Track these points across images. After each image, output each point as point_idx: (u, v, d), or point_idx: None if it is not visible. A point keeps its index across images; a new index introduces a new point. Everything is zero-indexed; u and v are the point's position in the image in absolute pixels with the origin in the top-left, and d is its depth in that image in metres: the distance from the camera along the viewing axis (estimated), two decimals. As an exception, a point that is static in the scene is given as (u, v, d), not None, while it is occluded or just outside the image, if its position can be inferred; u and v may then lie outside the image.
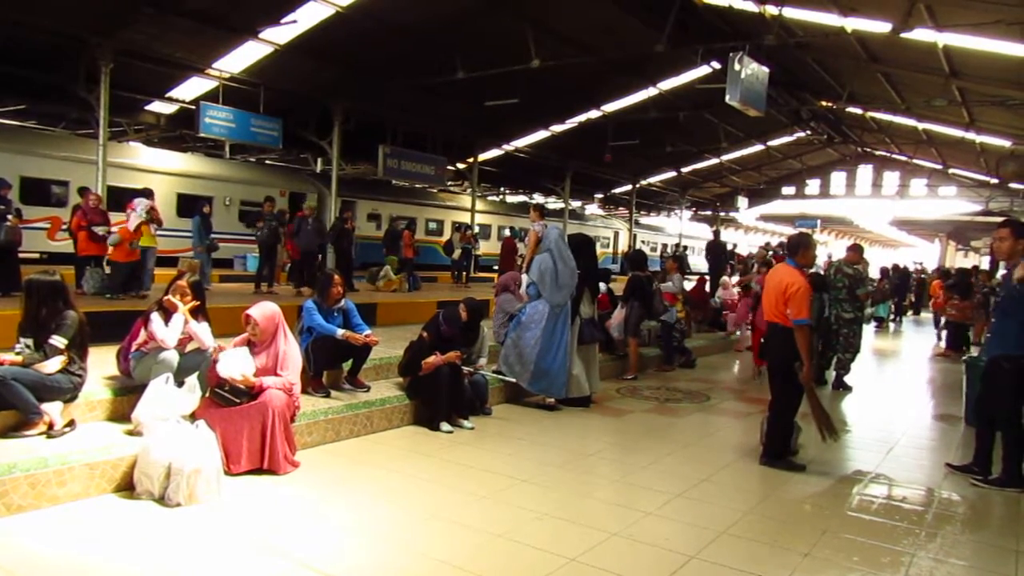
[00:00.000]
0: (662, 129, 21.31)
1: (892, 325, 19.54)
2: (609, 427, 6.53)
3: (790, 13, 12.42)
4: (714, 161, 28.24)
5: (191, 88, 16.05)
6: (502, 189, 33.79)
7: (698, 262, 30.84)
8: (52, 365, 4.34)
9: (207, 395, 4.78)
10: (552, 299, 6.78)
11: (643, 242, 34.72)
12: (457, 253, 17.57)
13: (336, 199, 17.80)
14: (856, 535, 4.07)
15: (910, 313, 23.49)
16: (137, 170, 16.31)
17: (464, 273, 17.65)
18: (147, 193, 10.08)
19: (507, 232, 25.25)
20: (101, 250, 9.64)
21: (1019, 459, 5.08)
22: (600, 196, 34.75)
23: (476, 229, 21.38)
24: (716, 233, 20.90)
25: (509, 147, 23.00)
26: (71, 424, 4.43)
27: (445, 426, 5.87)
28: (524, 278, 7.85)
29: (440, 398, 5.93)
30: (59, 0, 11.50)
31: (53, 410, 4.33)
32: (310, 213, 12.30)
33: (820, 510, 4.53)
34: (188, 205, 16.28)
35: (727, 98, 11.48)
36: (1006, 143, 19.86)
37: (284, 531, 3.75)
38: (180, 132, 19.27)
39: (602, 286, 9.55)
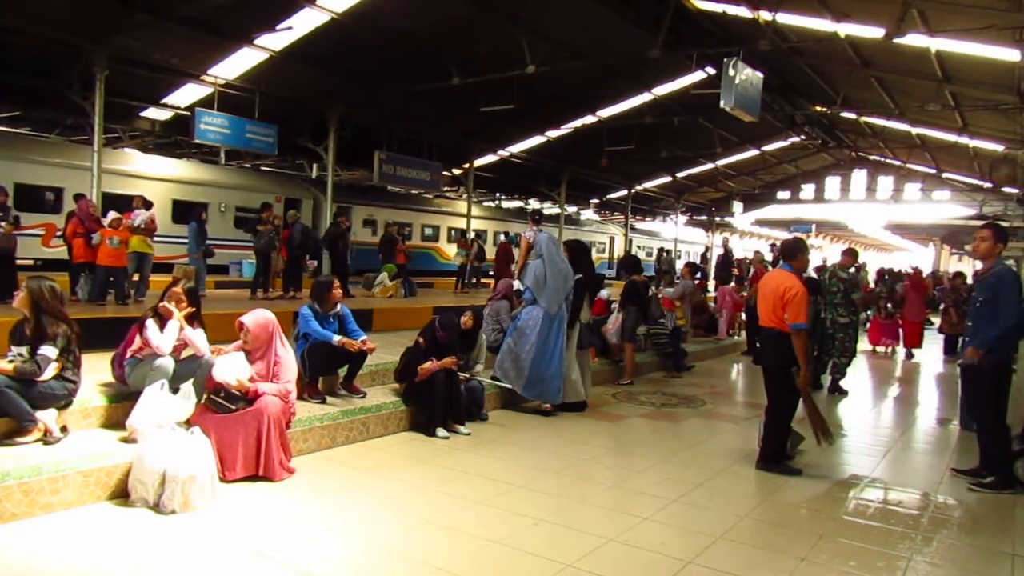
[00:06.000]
0: (657, 134, 21.36)
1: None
2: (605, 432, 6.52)
3: (783, 19, 12.47)
4: (709, 166, 28.32)
5: (186, 94, 16.04)
6: (498, 195, 33.81)
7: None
8: (46, 373, 4.32)
9: (202, 401, 4.77)
10: (547, 303, 6.79)
11: (639, 247, 34.75)
12: (459, 259, 17.56)
13: (332, 205, 17.78)
14: (852, 539, 4.07)
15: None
16: (132, 176, 16.27)
17: (459, 280, 17.61)
18: (148, 204, 10.10)
19: (502, 237, 25.23)
20: (95, 257, 9.60)
21: (1010, 461, 5.10)
22: (596, 201, 34.79)
23: (472, 235, 21.34)
24: (725, 241, 21.02)
25: (505, 152, 23.03)
26: (65, 430, 4.41)
27: (441, 432, 5.86)
28: (515, 284, 7.88)
29: (436, 404, 5.92)
30: (54, 6, 11.50)
31: (47, 417, 4.31)
32: (293, 220, 12.40)
33: (816, 514, 4.53)
34: (183, 211, 16.27)
35: (722, 103, 11.52)
36: (999, 147, 19.97)
37: (280, 538, 3.73)
38: (175, 138, 19.25)
39: (604, 292, 9.60)
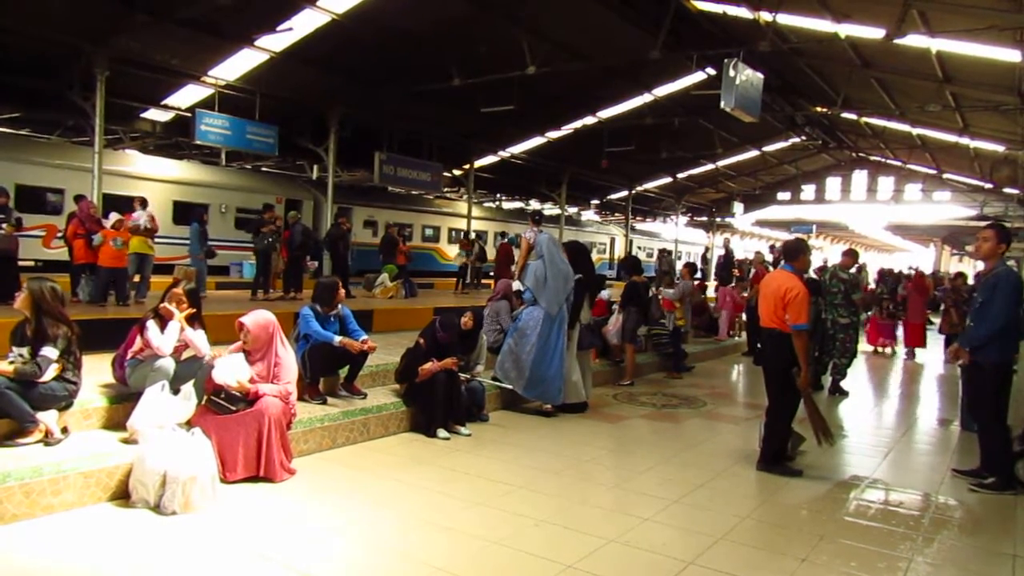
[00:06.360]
0: (658, 135, 21.38)
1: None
2: (606, 433, 6.52)
3: (784, 19, 12.48)
4: (710, 167, 28.34)
5: (187, 95, 16.06)
6: (498, 196, 33.82)
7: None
8: (47, 374, 4.32)
9: (203, 403, 4.77)
10: (547, 304, 6.79)
11: (639, 248, 34.75)
12: (461, 260, 17.57)
13: (332, 205, 17.80)
14: (853, 540, 4.07)
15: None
16: (133, 177, 16.29)
17: (460, 280, 17.61)
18: (144, 204, 10.12)
19: (502, 239, 25.20)
20: (96, 258, 9.60)
21: (1011, 462, 5.10)
22: (596, 202, 34.80)
23: (473, 235, 21.33)
24: (726, 241, 21.08)
25: (505, 153, 23.04)
26: (66, 431, 4.41)
27: (442, 433, 5.85)
28: (515, 284, 7.88)
29: (437, 405, 5.91)
30: (54, 7, 11.52)
31: (48, 418, 4.31)
32: (293, 220, 12.41)
33: (817, 515, 4.52)
34: (184, 212, 16.28)
35: (722, 104, 11.52)
36: (999, 148, 19.97)
37: (280, 539, 3.74)
38: (176, 139, 19.27)
39: (605, 293, 9.59)
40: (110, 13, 11.77)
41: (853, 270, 9.00)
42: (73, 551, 3.50)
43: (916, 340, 13.34)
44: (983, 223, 6.69)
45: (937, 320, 15.65)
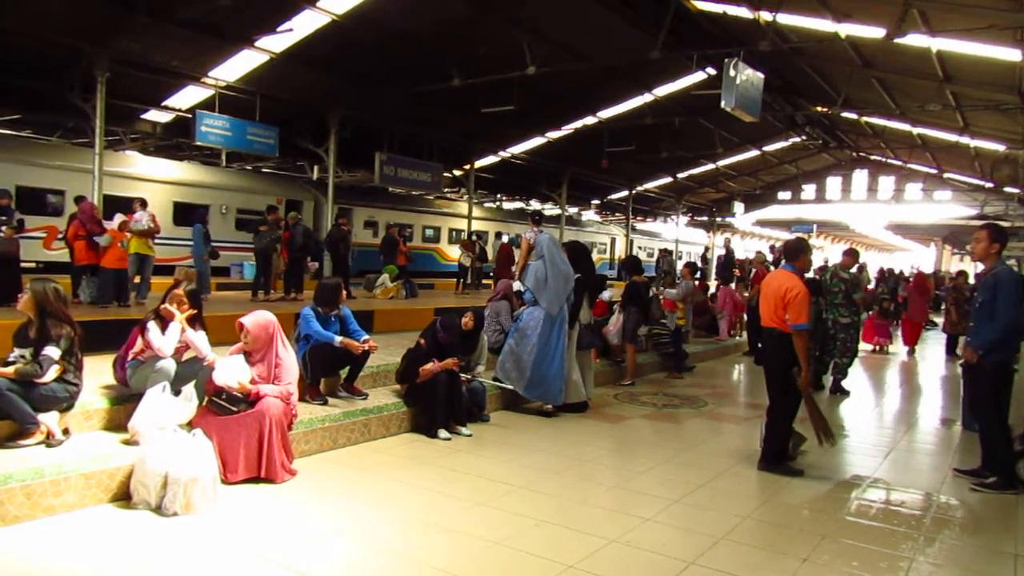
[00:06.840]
0: (658, 135, 21.38)
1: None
2: (607, 433, 6.52)
3: (784, 19, 12.47)
4: (710, 166, 28.34)
5: (187, 97, 16.07)
6: (499, 196, 33.83)
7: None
8: (48, 374, 4.32)
9: (204, 404, 4.77)
10: (547, 304, 6.79)
11: (640, 248, 34.74)
12: (466, 260, 17.62)
13: (333, 206, 17.81)
14: (855, 540, 4.07)
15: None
16: (133, 179, 16.29)
17: (460, 280, 17.61)
18: (144, 204, 10.13)
19: (504, 239, 25.20)
20: (98, 259, 9.61)
21: (1012, 461, 5.10)
22: (597, 202, 34.80)
23: (474, 236, 21.33)
24: (727, 241, 21.08)
25: (505, 154, 23.05)
26: (67, 433, 4.42)
27: (443, 433, 5.86)
28: (516, 284, 7.88)
29: (437, 405, 5.92)
30: (54, 9, 11.52)
31: (50, 420, 4.32)
32: (294, 221, 12.41)
33: (818, 515, 4.52)
34: (184, 213, 16.28)
35: (722, 104, 11.52)
36: (1000, 147, 19.97)
37: (282, 540, 3.74)
38: (176, 140, 19.28)
39: (606, 294, 9.59)
40: (110, 14, 11.77)
41: (854, 270, 8.99)
42: (74, 552, 3.50)
43: (913, 339, 13.38)
44: (983, 222, 6.71)
45: (940, 320, 15.66)
